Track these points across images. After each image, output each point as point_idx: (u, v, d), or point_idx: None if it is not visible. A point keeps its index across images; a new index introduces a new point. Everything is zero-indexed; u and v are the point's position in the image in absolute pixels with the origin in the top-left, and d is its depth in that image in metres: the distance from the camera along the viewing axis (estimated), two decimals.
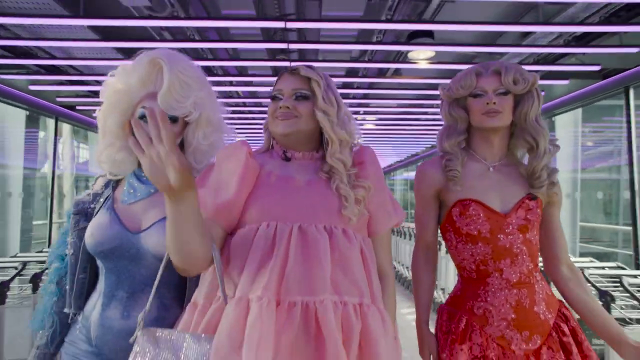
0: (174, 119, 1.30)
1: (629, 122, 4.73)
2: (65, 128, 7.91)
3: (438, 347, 1.45)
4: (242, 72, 5.39)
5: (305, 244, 1.07)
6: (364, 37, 4.52)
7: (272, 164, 1.23)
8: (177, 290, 1.30)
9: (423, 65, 4.60)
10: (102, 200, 1.37)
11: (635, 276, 3.10)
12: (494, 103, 1.40)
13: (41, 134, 7.42)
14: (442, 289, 5.44)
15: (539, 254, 1.50)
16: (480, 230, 1.41)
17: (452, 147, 1.49)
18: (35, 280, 3.27)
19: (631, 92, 4.71)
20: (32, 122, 7.16)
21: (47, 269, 1.59)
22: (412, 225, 7.12)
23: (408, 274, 7.02)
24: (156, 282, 1.17)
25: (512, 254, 1.39)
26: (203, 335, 1.04)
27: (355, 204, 1.14)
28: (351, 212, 1.13)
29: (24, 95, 5.72)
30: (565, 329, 1.40)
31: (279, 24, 3.59)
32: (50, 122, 7.20)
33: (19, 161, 7.04)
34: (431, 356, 1.46)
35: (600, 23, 3.64)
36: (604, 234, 6.38)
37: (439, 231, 1.57)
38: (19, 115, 6.77)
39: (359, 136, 1.27)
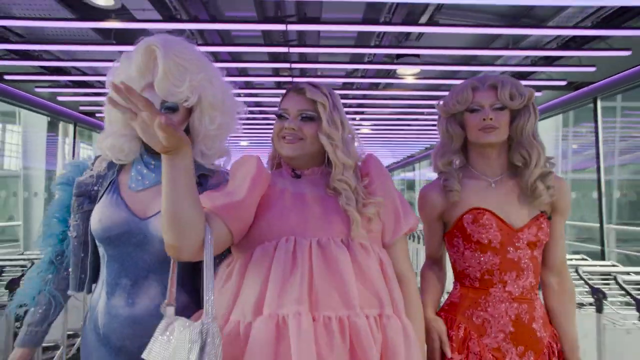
0: (173, 108, 1.26)
1: (596, 130, 5.27)
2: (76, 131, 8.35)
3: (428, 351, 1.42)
4: (242, 73, 5.60)
5: (326, 258, 1.06)
6: (362, 40, 4.72)
7: (284, 182, 1.24)
8: (183, 276, 1.27)
9: (410, 80, 5.15)
10: (105, 183, 1.32)
11: (627, 273, 3.08)
12: (491, 119, 1.39)
13: (63, 138, 7.98)
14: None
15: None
16: (491, 240, 1.40)
17: (445, 166, 1.49)
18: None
19: (599, 103, 5.27)
20: (53, 128, 7.74)
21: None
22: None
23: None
24: (173, 271, 1.13)
25: (519, 268, 1.39)
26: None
27: (367, 222, 1.15)
28: (357, 234, 1.12)
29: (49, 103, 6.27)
30: (556, 350, 1.43)
31: (280, 27, 3.62)
32: (70, 127, 7.77)
33: (42, 164, 7.65)
34: (439, 340, 1.41)
35: (558, 48, 4.23)
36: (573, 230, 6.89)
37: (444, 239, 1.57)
38: (41, 122, 7.37)
39: (361, 153, 1.28)
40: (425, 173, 13.50)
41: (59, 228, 1.39)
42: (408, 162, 14.55)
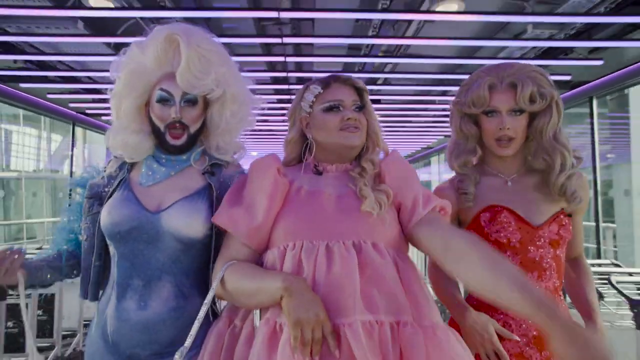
0: (193, 101, 1.24)
1: (592, 129, 5.15)
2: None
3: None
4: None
5: (331, 263, 1.04)
6: (359, 31, 4.50)
7: (302, 179, 1.22)
8: (197, 277, 1.24)
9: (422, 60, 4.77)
10: (116, 183, 1.28)
11: (622, 274, 3.05)
12: (508, 128, 1.31)
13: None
14: None
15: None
16: (510, 239, 1.32)
17: (462, 167, 1.41)
18: None
19: (594, 102, 5.15)
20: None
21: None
22: None
23: None
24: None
25: (541, 268, 1.32)
26: None
27: (375, 202, 1.12)
28: (369, 205, 1.11)
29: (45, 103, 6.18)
30: None
31: (272, 14, 3.43)
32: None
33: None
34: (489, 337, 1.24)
35: (564, 39, 4.05)
36: None
37: None
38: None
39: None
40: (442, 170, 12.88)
41: (71, 232, 1.36)
42: (424, 155, 13.85)
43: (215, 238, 1.24)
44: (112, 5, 3.57)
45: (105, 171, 1.34)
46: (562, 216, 1.35)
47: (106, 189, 1.29)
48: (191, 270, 1.24)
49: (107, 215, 1.22)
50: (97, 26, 4.05)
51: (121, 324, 1.20)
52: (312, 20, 4.18)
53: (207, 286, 1.21)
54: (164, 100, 1.23)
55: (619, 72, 4.58)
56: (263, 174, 1.17)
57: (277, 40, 3.93)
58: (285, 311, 0.97)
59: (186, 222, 1.20)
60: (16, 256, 1.19)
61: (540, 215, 1.34)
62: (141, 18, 3.70)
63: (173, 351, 1.08)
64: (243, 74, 1.36)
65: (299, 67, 5.20)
